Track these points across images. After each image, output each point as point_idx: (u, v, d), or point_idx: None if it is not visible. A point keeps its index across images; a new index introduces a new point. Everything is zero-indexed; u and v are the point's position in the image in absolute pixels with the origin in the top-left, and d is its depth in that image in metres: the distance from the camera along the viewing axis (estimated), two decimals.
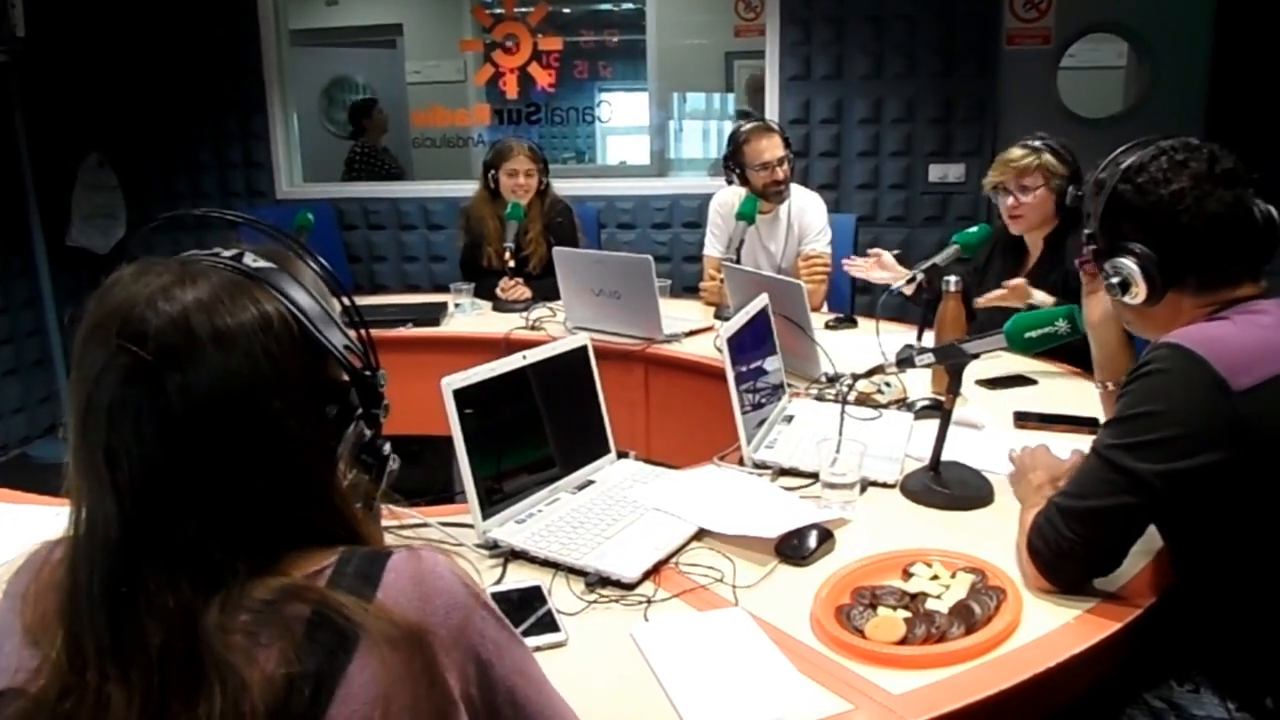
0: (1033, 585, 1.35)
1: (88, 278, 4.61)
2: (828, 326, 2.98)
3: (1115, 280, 1.39)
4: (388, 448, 0.91)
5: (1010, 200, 2.62)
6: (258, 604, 0.73)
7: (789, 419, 2.08)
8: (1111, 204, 1.40)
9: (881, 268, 2.91)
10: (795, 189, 3.40)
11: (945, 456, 1.72)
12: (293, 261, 0.85)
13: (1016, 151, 2.62)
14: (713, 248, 3.50)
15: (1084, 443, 1.84)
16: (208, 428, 0.74)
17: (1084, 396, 2.18)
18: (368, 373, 0.87)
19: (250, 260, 0.81)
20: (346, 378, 0.85)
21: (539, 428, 1.69)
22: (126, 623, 0.72)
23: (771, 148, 3.25)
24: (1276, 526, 1.25)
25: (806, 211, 3.39)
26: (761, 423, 1.97)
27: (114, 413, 0.73)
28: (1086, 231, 1.48)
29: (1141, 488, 1.25)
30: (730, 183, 3.38)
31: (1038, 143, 2.61)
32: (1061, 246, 2.62)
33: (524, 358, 1.66)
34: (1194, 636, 1.38)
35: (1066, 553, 1.30)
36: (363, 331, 0.88)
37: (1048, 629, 1.26)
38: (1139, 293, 1.38)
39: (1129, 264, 1.37)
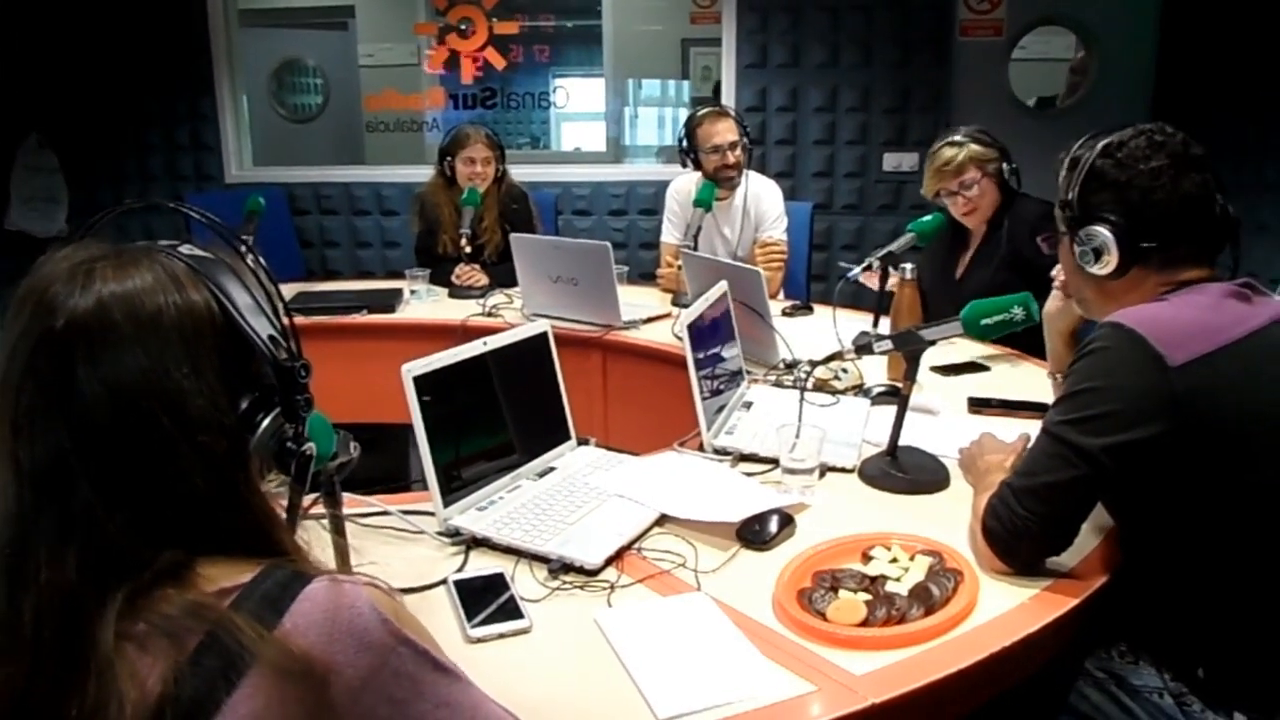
0: (987, 567, 1.37)
1: (28, 262, 4.47)
2: (784, 313, 3.00)
3: (1089, 247, 1.42)
4: (310, 447, 0.86)
5: (959, 200, 2.68)
6: (158, 616, 0.71)
7: (748, 405, 2.09)
8: (1091, 176, 1.42)
9: None
10: (752, 176, 3.41)
11: (902, 442, 1.74)
12: (232, 253, 0.84)
13: (946, 153, 2.66)
14: (670, 234, 3.50)
15: (1035, 427, 1.90)
16: (113, 406, 0.73)
17: (1036, 382, 2.22)
18: (289, 363, 0.84)
19: (185, 249, 0.80)
20: (270, 373, 0.83)
21: (499, 415, 1.68)
22: (14, 595, 0.70)
23: (723, 131, 3.26)
24: (1210, 499, 1.30)
25: (763, 198, 3.40)
26: (721, 409, 1.98)
27: (22, 384, 0.73)
28: (1061, 199, 1.47)
29: (1088, 461, 1.29)
30: (684, 166, 3.39)
31: (960, 136, 2.67)
32: (1000, 225, 2.69)
33: (484, 344, 1.65)
34: (1135, 610, 1.42)
35: (1021, 531, 1.32)
36: (288, 321, 0.86)
37: (1004, 609, 1.29)
38: (1110, 261, 1.40)
39: (1104, 231, 1.40)
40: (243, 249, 0.85)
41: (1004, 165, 2.65)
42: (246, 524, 0.79)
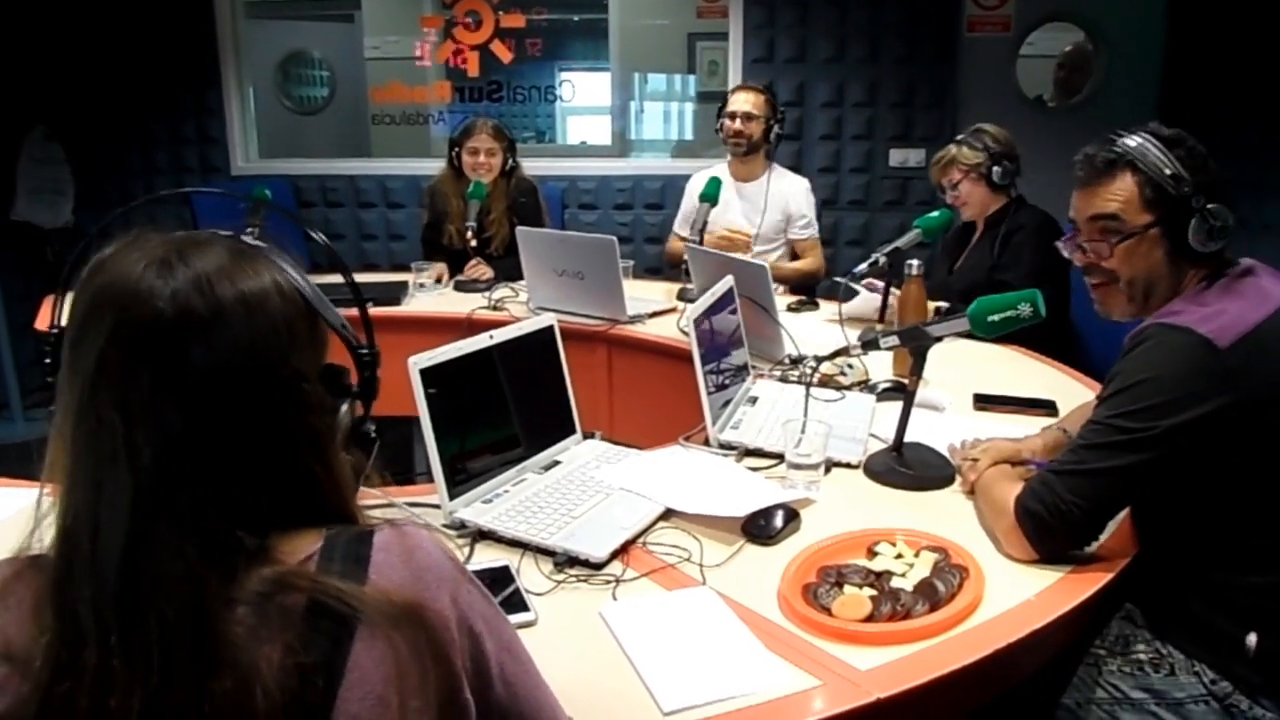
0: (1016, 553, 1.39)
1: (34, 254, 4.49)
2: (790, 309, 3.00)
3: (1213, 224, 1.41)
4: (374, 428, 0.91)
5: (948, 195, 2.88)
6: (253, 596, 0.72)
7: (753, 400, 2.09)
8: (1202, 161, 1.44)
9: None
10: (777, 169, 3.54)
11: (907, 437, 1.74)
12: (282, 251, 0.85)
13: (944, 150, 2.88)
14: (683, 227, 3.60)
15: (1040, 425, 1.90)
16: (227, 388, 0.74)
17: (1042, 379, 2.22)
18: (364, 351, 0.90)
19: (247, 239, 0.82)
20: (337, 360, 0.85)
21: (504, 408, 1.68)
22: (131, 591, 0.69)
23: (740, 101, 3.41)
24: (1265, 465, 1.33)
25: (793, 196, 3.51)
26: (726, 404, 1.98)
27: (129, 372, 0.72)
28: (1169, 172, 1.41)
29: (1146, 447, 1.32)
30: (717, 132, 3.50)
31: (961, 136, 2.87)
32: (1000, 223, 2.82)
33: (491, 337, 1.65)
34: (1159, 596, 1.44)
35: (1064, 515, 1.35)
36: (358, 311, 0.90)
37: (1009, 605, 1.29)
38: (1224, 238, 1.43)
39: (1225, 210, 1.41)
40: (320, 239, 0.91)
41: (994, 168, 2.76)
42: (337, 499, 0.82)
